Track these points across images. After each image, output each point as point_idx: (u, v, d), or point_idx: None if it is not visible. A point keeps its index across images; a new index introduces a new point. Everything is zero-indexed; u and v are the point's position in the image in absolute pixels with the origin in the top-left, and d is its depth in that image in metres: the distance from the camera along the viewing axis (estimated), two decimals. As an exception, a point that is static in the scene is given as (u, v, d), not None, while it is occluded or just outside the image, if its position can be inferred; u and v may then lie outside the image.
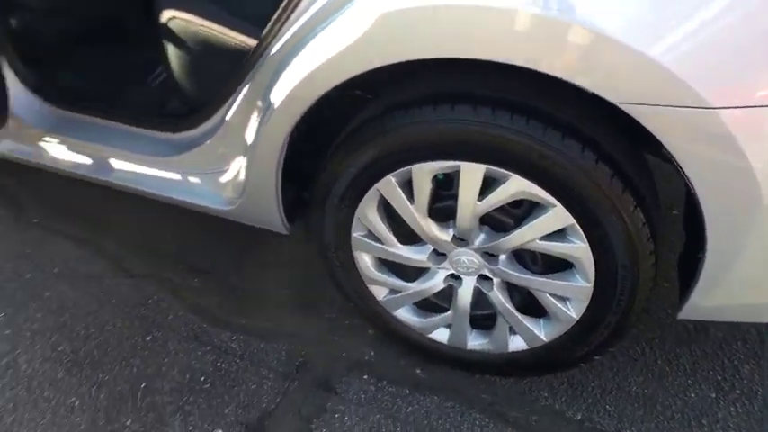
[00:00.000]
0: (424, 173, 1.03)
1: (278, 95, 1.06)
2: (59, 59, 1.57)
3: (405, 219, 1.11)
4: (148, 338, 1.40)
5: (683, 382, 1.30)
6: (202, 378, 1.32)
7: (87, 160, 1.47)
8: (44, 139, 1.50)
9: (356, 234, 1.19)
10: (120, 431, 1.22)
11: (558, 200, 0.96)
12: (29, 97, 1.49)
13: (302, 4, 1.01)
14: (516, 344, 1.21)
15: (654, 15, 0.77)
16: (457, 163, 0.99)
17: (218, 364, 1.35)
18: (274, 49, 1.07)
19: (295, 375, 1.33)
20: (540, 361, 1.22)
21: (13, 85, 1.46)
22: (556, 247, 1.03)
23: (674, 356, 1.35)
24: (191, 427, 1.22)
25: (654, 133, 0.82)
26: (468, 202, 1.03)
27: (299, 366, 1.36)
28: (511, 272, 1.11)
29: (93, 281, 1.54)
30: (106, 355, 1.37)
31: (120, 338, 1.40)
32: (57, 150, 1.50)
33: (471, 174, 0.99)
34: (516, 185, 0.97)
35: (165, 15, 1.34)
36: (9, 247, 1.63)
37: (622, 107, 0.82)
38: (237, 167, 1.27)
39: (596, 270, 1.02)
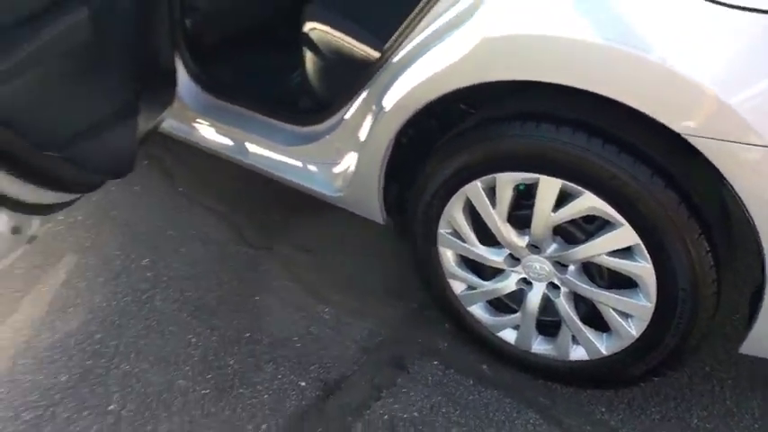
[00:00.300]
0: (507, 181, 1.15)
1: (389, 101, 1.24)
2: (218, 56, 1.86)
3: (486, 221, 1.24)
4: (257, 298, 1.64)
5: (749, 425, 1.30)
6: (295, 338, 1.52)
7: (229, 142, 1.74)
8: (198, 120, 1.79)
9: (442, 230, 1.33)
10: (224, 368, 1.45)
11: (626, 219, 1.05)
12: (191, 85, 1.79)
13: (420, 25, 1.18)
14: (578, 353, 1.29)
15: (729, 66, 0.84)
16: (536, 176, 1.10)
17: (310, 329, 1.55)
18: (392, 61, 1.25)
19: (373, 351, 1.50)
20: (598, 374, 1.29)
21: (181, 74, 1.77)
22: (621, 264, 1.11)
23: (744, 399, 1.34)
24: (280, 375, 1.43)
25: (716, 165, 0.89)
26: (544, 213, 1.14)
27: (378, 344, 1.52)
28: (578, 282, 1.20)
29: (219, 245, 1.81)
30: (221, 306, 1.61)
31: (234, 295, 1.65)
32: (206, 131, 1.79)
33: (548, 187, 1.10)
34: (588, 202, 1.07)
35: (308, 26, 1.58)
36: (159, 209, 1.96)
37: (690, 139, 0.90)
38: (349, 161, 1.46)
39: (658, 291, 1.09)
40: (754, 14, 0.79)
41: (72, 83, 1.22)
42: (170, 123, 1.85)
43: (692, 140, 0.90)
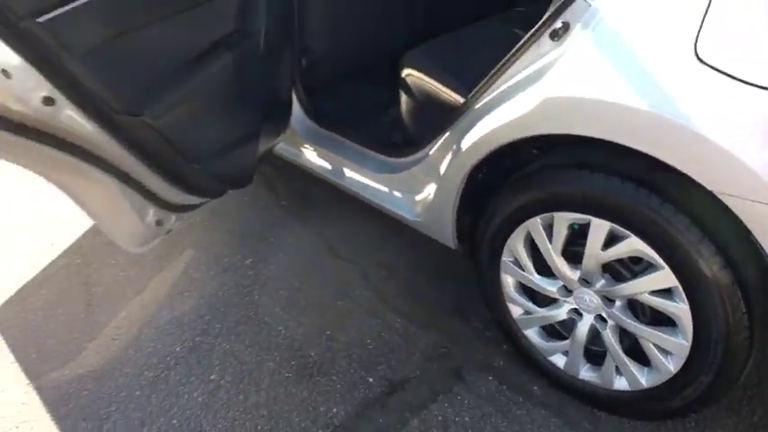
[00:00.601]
0: (563, 220, 1.32)
1: (467, 142, 1.44)
2: (326, 90, 2.14)
3: (544, 254, 1.40)
4: (339, 303, 1.87)
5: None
6: (368, 341, 1.74)
7: (328, 166, 2.01)
8: (305, 146, 2.08)
9: (505, 259, 1.51)
10: (305, 358, 1.69)
11: (666, 263, 1.18)
12: (301, 115, 2.08)
13: (499, 80, 1.38)
14: (621, 384, 1.41)
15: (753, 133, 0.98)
16: (588, 217, 1.26)
17: (382, 334, 1.76)
18: (473, 108, 1.45)
19: (435, 360, 1.68)
20: (638, 405, 1.40)
21: (294, 105, 2.07)
22: (662, 304, 1.24)
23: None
24: (352, 370, 1.65)
25: (744, 222, 1.02)
26: (594, 251, 1.29)
27: (441, 355, 1.70)
28: (623, 317, 1.33)
29: (311, 254, 2.07)
30: (308, 305, 1.87)
31: (320, 298, 1.89)
32: (311, 156, 2.07)
33: (598, 228, 1.25)
34: (633, 245, 1.21)
35: (405, 71, 1.82)
36: (263, 218, 2.26)
37: (720, 197, 1.03)
38: (429, 191, 1.68)
39: (694, 332, 1.20)
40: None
41: (214, 111, 1.53)
42: (281, 146, 2.16)
43: (722, 198, 1.03)
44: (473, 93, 1.47)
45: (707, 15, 0.97)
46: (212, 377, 1.65)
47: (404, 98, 1.87)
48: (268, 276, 1.98)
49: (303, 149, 2.10)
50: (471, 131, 1.44)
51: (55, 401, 1.60)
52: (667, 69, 1.02)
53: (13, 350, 1.75)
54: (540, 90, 1.23)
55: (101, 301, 1.92)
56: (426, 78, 1.77)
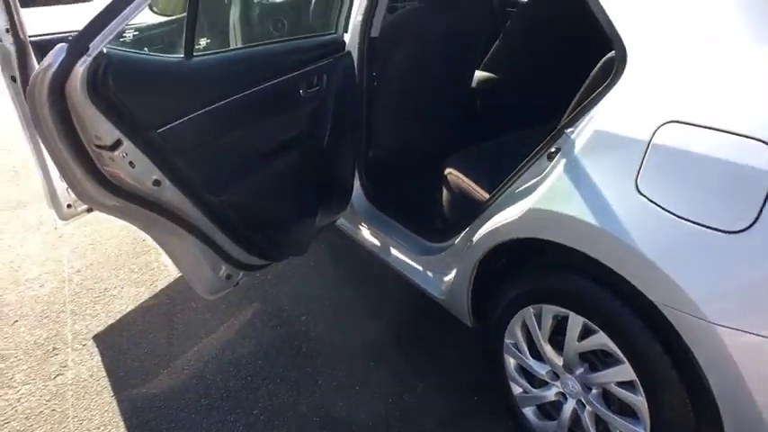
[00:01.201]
0: (548, 311, 1.54)
1: (477, 236, 1.72)
2: (385, 177, 2.51)
3: (534, 340, 1.62)
4: (371, 363, 2.15)
5: None
6: (389, 399, 1.99)
7: (378, 243, 2.34)
8: (362, 224, 2.44)
9: (507, 341, 1.73)
10: (334, 406, 1.97)
11: (627, 358, 1.37)
12: (361, 196, 2.45)
13: (508, 189, 1.66)
14: (599, 465, 1.56)
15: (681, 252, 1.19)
16: (567, 311, 1.48)
17: (403, 396, 2.00)
18: (490, 205, 1.73)
19: (447, 424, 1.89)
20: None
21: (356, 186, 2.44)
22: (625, 395, 1.41)
23: None
24: (370, 423, 1.90)
25: (679, 332, 1.20)
26: (572, 341, 1.49)
27: (452, 421, 1.91)
28: (596, 404, 1.50)
29: (358, 317, 2.38)
30: (345, 362, 2.16)
31: (355, 356, 2.18)
32: (365, 232, 2.42)
33: (575, 321, 1.47)
34: (601, 339, 1.41)
35: (447, 170, 2.15)
36: (324, 283, 2.61)
37: (658, 305, 1.23)
38: (452, 273, 1.95)
39: (651, 422, 1.36)
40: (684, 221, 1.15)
41: (279, 194, 1.92)
42: (343, 222, 2.53)
43: (659, 307, 1.23)
44: (491, 195, 1.76)
45: (644, 159, 1.22)
46: (254, 411, 1.96)
47: (445, 192, 2.19)
48: (316, 333, 2.30)
49: (360, 227, 2.45)
50: (482, 227, 1.71)
51: (129, 412, 1.98)
52: (616, 196, 1.27)
53: (107, 367, 2.18)
54: (529, 201, 1.49)
55: (179, 336, 2.32)
56: (463, 177, 2.08)
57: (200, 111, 1.51)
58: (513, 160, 1.74)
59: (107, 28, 1.24)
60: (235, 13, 3.11)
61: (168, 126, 1.44)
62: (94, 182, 1.41)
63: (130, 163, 1.40)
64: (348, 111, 2.14)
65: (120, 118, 1.32)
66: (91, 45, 1.23)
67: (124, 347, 2.28)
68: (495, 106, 2.62)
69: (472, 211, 1.87)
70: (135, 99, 1.34)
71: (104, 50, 1.26)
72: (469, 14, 2.57)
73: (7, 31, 2.09)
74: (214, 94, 1.55)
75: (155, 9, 2.89)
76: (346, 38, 2.18)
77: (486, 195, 1.91)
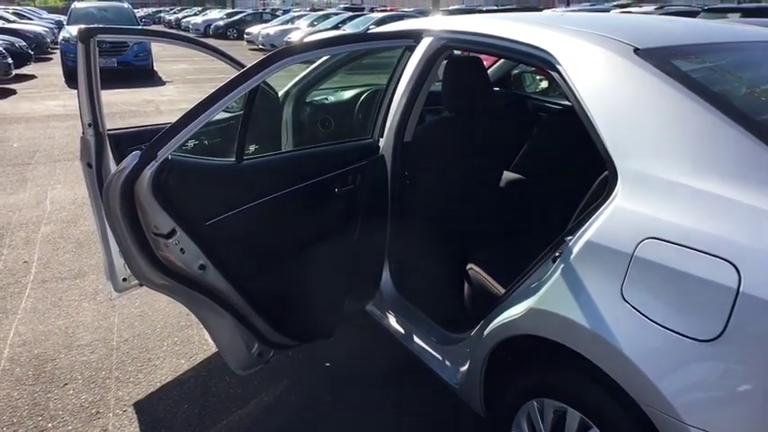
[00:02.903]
0: (550, 405, 1.64)
1: (489, 328, 1.85)
2: (412, 270, 2.68)
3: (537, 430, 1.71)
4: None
5: None
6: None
7: (402, 330, 2.48)
8: (388, 310, 2.60)
9: (514, 431, 1.82)
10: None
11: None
12: (389, 284, 2.62)
13: (518, 288, 1.81)
14: None
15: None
16: (565, 406, 1.58)
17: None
18: (500, 304, 1.87)
19: None
20: None
21: (386, 275, 2.62)
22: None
23: None
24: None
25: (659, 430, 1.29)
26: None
27: None
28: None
29: (381, 397, 2.49)
30: (363, 444, 2.26)
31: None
32: (391, 319, 2.57)
33: (572, 416, 1.56)
34: (596, 434, 1.50)
35: (469, 265, 2.32)
36: (352, 363, 2.74)
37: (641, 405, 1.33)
38: (467, 364, 2.07)
39: None
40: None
41: (312, 278, 2.12)
42: (371, 308, 2.70)
43: (642, 407, 1.33)
44: (504, 293, 1.90)
45: (628, 270, 1.36)
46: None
47: (466, 285, 2.35)
48: (344, 412, 2.42)
49: (387, 313, 2.61)
50: (494, 321, 1.85)
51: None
52: (604, 301, 1.40)
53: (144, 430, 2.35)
54: (533, 300, 1.64)
55: (212, 408, 2.48)
56: (482, 273, 2.24)
57: (245, 206, 1.76)
58: (528, 259, 1.89)
59: (173, 139, 1.52)
60: (288, 111, 3.47)
61: (216, 219, 1.68)
62: (149, 263, 1.65)
63: (181, 249, 1.64)
64: (379, 207, 2.36)
65: (176, 212, 1.58)
66: (159, 153, 1.50)
67: (161, 416, 2.44)
68: (519, 206, 2.80)
69: (488, 305, 2.01)
70: (189, 196, 1.60)
71: (169, 157, 1.53)
72: (500, 121, 2.82)
73: (89, 125, 2.47)
74: (258, 192, 1.80)
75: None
76: (382, 142, 2.45)
77: (502, 291, 2.05)
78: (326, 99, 3.60)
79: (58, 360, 2.82)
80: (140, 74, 12.83)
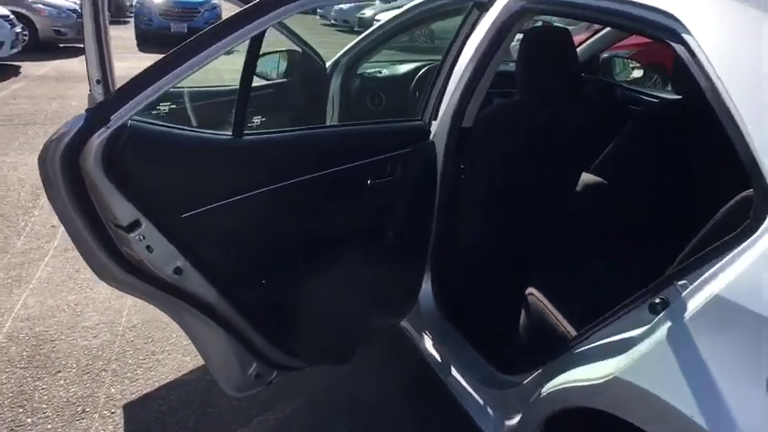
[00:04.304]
0: None
1: (550, 386, 1.38)
2: (458, 283, 2.22)
3: None
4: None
5: None
6: None
7: (438, 359, 2.03)
8: (425, 330, 2.15)
9: None
10: None
11: None
12: (429, 298, 2.17)
13: (594, 335, 1.32)
14: None
15: None
16: None
17: None
18: (572, 349, 1.39)
19: None
20: None
21: (426, 289, 2.17)
22: None
23: None
24: None
25: None
26: None
27: None
28: None
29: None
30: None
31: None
32: (427, 341, 2.13)
33: None
34: None
35: (529, 290, 1.83)
36: (375, 385, 2.33)
37: None
38: (515, 419, 1.60)
39: None
40: None
41: (328, 291, 1.70)
42: (404, 322, 2.26)
43: None
44: (575, 336, 1.42)
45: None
46: None
47: (523, 315, 1.86)
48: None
49: (423, 333, 2.16)
50: (558, 378, 1.38)
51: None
52: (739, 396, 0.91)
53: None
54: (617, 363, 1.15)
55: (208, 422, 2.12)
56: (546, 303, 1.75)
57: (240, 197, 1.35)
58: (607, 293, 1.40)
59: (134, 99, 1.12)
60: (336, 83, 3.04)
61: (199, 211, 1.28)
62: (113, 261, 1.27)
63: (148, 247, 1.25)
64: (423, 206, 1.91)
65: (138, 197, 1.18)
66: (113, 116, 1.11)
67: (149, 424, 2.11)
68: (600, 218, 2.27)
69: (551, 348, 1.54)
70: (160, 178, 1.20)
71: (128, 122, 1.13)
72: (581, 111, 2.29)
73: (98, 82, 2.12)
74: (262, 178, 1.39)
75: (258, 72, 2.88)
76: (434, 126, 1.98)
77: (571, 331, 1.57)
78: (380, 72, 3.14)
79: (57, 342, 2.55)
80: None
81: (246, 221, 1.40)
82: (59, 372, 2.36)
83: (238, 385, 1.71)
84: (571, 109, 2.22)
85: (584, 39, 3.44)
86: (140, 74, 1.14)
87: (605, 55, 3.63)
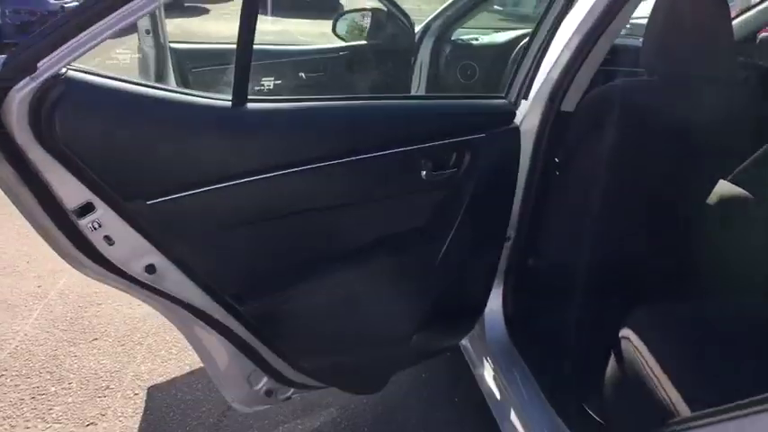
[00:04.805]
0: None
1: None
2: (537, 305, 1.79)
3: None
4: None
5: None
6: None
7: (497, 393, 1.64)
8: (486, 355, 1.76)
9: None
10: None
11: None
12: (498, 318, 1.77)
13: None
14: None
15: None
16: None
17: None
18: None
19: None
20: None
21: (495, 305, 1.77)
22: None
23: None
24: None
25: None
26: None
27: None
28: None
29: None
30: None
31: None
32: (487, 368, 1.74)
33: None
34: None
35: (625, 331, 1.38)
36: (420, 403, 1.98)
37: None
38: None
39: None
40: None
41: (357, 304, 1.36)
42: (466, 343, 1.88)
43: None
44: (679, 420, 0.99)
45: None
46: None
47: (611, 364, 1.42)
48: None
49: (484, 359, 1.78)
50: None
51: None
52: None
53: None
54: None
55: (232, 420, 1.89)
56: (645, 357, 1.30)
57: (238, 181, 1.03)
58: (742, 361, 0.98)
59: (74, 40, 0.82)
60: (425, 51, 2.66)
61: (170, 197, 0.98)
62: (76, 247, 1.01)
63: (107, 238, 0.97)
64: (496, 208, 1.51)
65: (88, 172, 0.90)
66: (41, 63, 0.81)
67: (169, 414, 1.91)
68: (734, 242, 1.73)
69: (641, 421, 1.11)
70: (111, 148, 0.90)
71: (63, 71, 0.84)
72: (726, 101, 1.73)
73: (147, 32, 1.90)
74: (267, 158, 1.06)
75: (337, 33, 2.56)
76: (523, 106, 1.55)
77: (675, 405, 1.12)
78: (476, 39, 2.70)
79: (103, 306, 2.44)
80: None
81: (246, 212, 1.09)
82: (96, 339, 2.24)
83: (244, 399, 1.43)
84: (714, 98, 1.67)
85: (738, 12, 2.78)
86: (84, 5, 0.84)
87: (766, 33, 2.93)
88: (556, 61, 1.55)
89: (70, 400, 1.96)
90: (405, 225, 1.34)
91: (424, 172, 1.31)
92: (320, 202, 1.16)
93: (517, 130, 1.48)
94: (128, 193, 0.95)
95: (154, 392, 2.00)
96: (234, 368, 1.34)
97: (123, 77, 0.92)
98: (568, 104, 1.59)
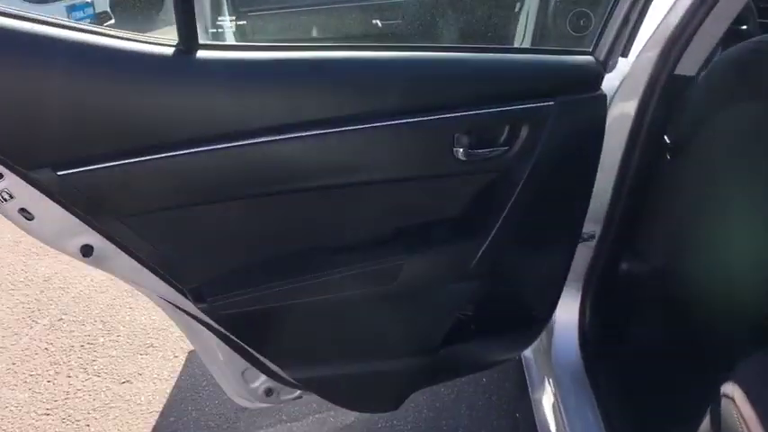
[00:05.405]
0: None
1: None
2: (625, 323, 1.43)
3: None
4: None
5: None
6: None
7: (552, 426, 1.32)
8: (549, 377, 1.43)
9: None
10: None
11: None
12: (571, 335, 1.44)
13: None
14: None
15: None
16: None
17: None
18: None
19: None
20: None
21: (567, 315, 1.43)
22: None
23: None
24: None
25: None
26: None
27: None
28: None
29: None
30: None
31: None
32: (546, 390, 1.42)
33: None
34: None
35: (727, 387, 1.00)
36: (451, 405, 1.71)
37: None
38: None
39: None
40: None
41: (371, 307, 1.10)
42: (528, 354, 1.56)
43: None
44: None
45: None
46: None
47: (706, 422, 1.04)
48: None
49: (545, 379, 1.45)
50: None
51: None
52: None
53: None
54: None
55: (253, 413, 1.75)
56: (751, 420, 0.92)
57: (184, 151, 0.80)
58: None
59: None
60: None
61: (87, 168, 0.77)
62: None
63: (23, 211, 0.79)
64: (568, 196, 1.15)
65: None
66: None
67: (201, 383, 1.82)
68: None
69: None
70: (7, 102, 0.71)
71: None
72: None
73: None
74: (223, 123, 0.82)
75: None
76: (619, 65, 1.15)
77: None
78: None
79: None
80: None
81: (194, 190, 0.86)
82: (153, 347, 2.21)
83: (243, 394, 1.24)
84: None
85: None
86: None
87: None
88: (669, 11, 1.13)
89: (114, 353, 1.93)
90: (434, 212, 1.04)
91: (462, 149, 0.99)
92: (313, 175, 0.90)
93: (603, 97, 1.09)
94: (29, 160, 0.76)
95: (193, 358, 1.92)
96: (227, 362, 1.16)
97: (25, 14, 0.71)
98: (687, 67, 1.17)
